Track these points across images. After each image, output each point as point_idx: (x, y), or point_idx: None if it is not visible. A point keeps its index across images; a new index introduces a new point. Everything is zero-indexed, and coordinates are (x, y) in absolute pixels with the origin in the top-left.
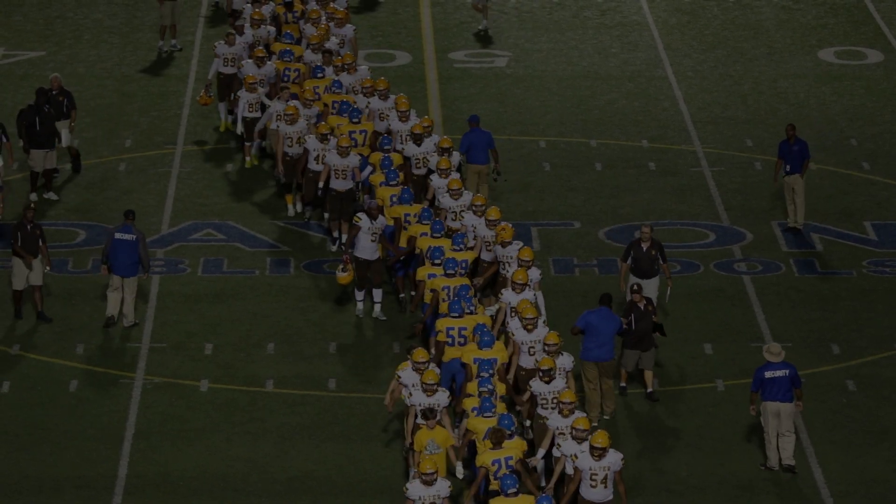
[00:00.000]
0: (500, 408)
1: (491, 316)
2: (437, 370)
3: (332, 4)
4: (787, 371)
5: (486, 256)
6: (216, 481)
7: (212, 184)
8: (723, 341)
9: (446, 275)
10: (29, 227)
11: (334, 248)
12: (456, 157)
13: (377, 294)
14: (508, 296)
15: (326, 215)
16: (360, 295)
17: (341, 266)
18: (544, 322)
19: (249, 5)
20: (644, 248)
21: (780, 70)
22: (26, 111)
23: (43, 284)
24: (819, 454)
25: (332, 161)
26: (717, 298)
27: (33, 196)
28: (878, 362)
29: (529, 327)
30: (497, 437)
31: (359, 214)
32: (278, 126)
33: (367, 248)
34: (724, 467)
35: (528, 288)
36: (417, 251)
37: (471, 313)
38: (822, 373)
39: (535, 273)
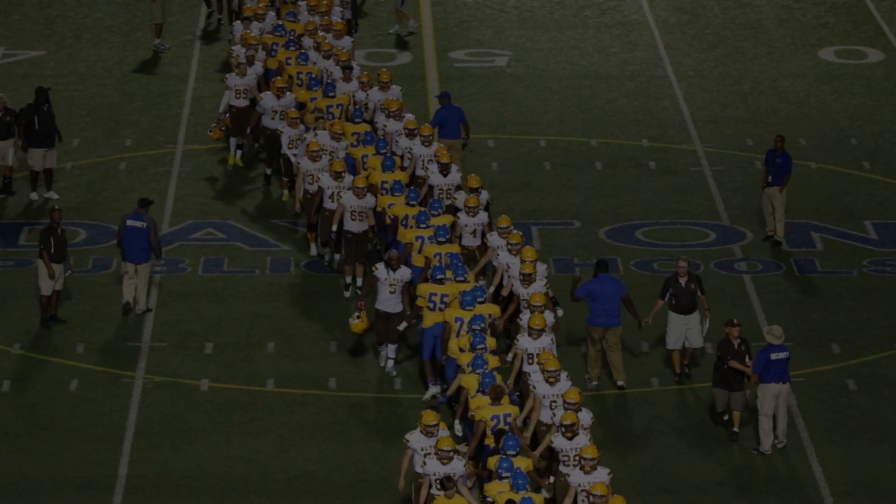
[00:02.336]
0: (493, 361)
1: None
2: (451, 438)
3: (328, 17)
4: (787, 353)
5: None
6: (216, 481)
7: (212, 183)
8: None
9: (438, 242)
10: (59, 231)
11: (347, 294)
12: (484, 195)
13: (391, 350)
14: (525, 342)
15: (338, 256)
16: (384, 349)
17: (356, 314)
18: (567, 376)
19: (239, 23)
20: (682, 284)
21: (781, 69)
22: (26, 110)
23: (63, 289)
24: (819, 454)
25: (347, 202)
26: (718, 298)
27: (34, 195)
28: (878, 362)
29: (552, 380)
30: (496, 393)
31: (376, 265)
32: (300, 161)
33: (386, 301)
34: (724, 467)
35: (544, 333)
36: (390, 220)
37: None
38: (822, 372)
39: (550, 317)
